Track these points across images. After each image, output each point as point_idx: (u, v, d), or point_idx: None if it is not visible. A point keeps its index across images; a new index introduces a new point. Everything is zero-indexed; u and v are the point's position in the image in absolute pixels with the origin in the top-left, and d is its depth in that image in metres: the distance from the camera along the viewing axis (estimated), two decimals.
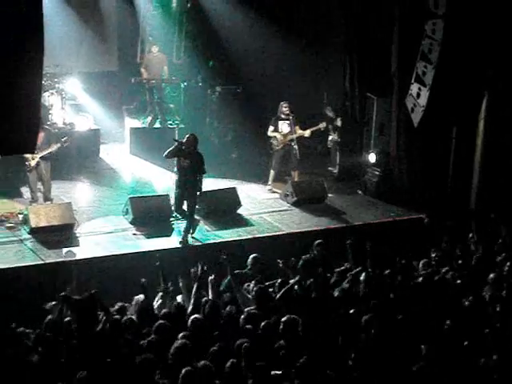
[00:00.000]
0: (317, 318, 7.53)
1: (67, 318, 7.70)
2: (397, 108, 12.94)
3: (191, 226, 10.98)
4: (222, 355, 6.67)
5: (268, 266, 9.62)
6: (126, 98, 15.54)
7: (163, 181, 12.88)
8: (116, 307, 8.00)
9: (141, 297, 8.14)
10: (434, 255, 9.86)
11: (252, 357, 6.56)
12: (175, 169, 10.99)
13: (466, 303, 8.01)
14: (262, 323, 7.28)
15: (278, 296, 8.22)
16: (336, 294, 8.41)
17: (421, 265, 9.56)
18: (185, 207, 11.00)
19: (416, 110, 12.09)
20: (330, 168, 14.57)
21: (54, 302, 8.22)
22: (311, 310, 7.79)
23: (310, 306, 7.98)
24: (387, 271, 9.04)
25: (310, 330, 7.22)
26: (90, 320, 7.38)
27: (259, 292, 8.20)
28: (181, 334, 6.87)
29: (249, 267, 9.49)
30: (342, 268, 9.36)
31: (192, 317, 7.33)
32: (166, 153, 10.94)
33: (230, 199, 12.24)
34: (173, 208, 11.09)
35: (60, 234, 10.82)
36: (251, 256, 9.60)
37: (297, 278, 8.51)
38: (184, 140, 10.82)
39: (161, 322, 7.21)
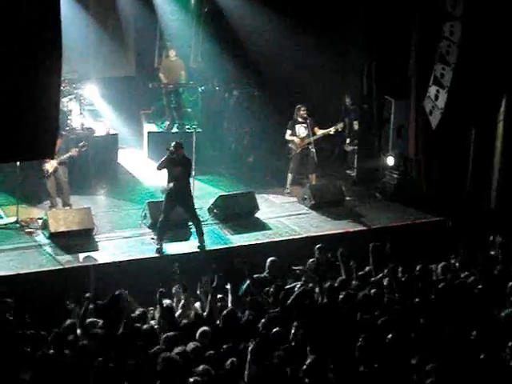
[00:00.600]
0: (328, 323, 7.49)
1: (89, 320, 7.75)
2: (415, 110, 12.88)
3: (201, 229, 10.99)
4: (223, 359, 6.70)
5: (286, 269, 9.61)
6: (143, 103, 15.58)
7: None
8: (137, 313, 8.02)
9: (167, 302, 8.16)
10: (453, 261, 9.75)
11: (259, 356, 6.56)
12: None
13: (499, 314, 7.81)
14: (275, 329, 7.25)
15: (289, 301, 8.14)
16: (359, 297, 8.31)
17: (439, 269, 9.47)
18: (173, 216, 10.95)
19: (434, 112, 12.01)
20: (347, 171, 14.52)
21: (73, 305, 8.25)
22: (323, 315, 7.74)
23: (321, 311, 7.92)
24: (408, 275, 8.97)
25: (319, 334, 7.18)
26: (114, 323, 7.40)
27: (283, 296, 8.16)
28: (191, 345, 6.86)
29: (267, 271, 9.48)
30: (362, 272, 9.29)
31: (201, 329, 7.28)
32: (157, 165, 10.94)
33: (247, 203, 12.24)
34: (160, 219, 10.83)
35: (79, 239, 10.88)
36: (269, 259, 9.59)
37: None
38: (172, 148, 10.79)
39: (169, 334, 7.19)
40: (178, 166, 10.76)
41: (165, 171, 10.90)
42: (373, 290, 8.42)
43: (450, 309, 7.95)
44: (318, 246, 9.97)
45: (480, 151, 12.67)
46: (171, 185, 10.79)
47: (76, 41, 13.39)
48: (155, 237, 10.92)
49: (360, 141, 14.17)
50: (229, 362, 6.54)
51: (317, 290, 8.43)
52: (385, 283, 8.66)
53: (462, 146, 12.81)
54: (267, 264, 9.51)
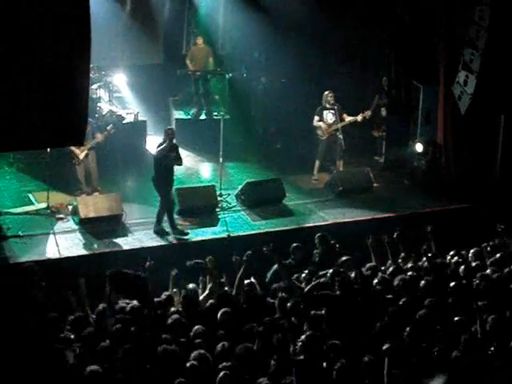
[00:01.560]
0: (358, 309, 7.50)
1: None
2: (443, 96, 12.77)
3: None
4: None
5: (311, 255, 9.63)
6: (171, 90, 15.64)
7: (209, 172, 12.97)
8: (163, 296, 8.10)
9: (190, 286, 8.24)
10: (485, 245, 9.65)
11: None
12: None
13: None
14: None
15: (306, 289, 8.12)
16: (396, 283, 8.28)
17: (471, 255, 9.41)
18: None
19: (463, 97, 11.90)
20: (375, 157, 14.46)
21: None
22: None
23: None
24: (440, 261, 8.93)
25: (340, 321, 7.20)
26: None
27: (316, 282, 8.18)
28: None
29: (291, 257, 9.50)
30: (396, 258, 9.25)
31: (221, 310, 7.36)
32: (159, 150, 10.90)
33: (275, 190, 12.27)
34: (167, 206, 10.97)
35: (108, 225, 11.00)
36: (293, 245, 9.61)
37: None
38: (170, 135, 10.88)
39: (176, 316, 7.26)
40: (173, 151, 10.89)
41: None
42: (409, 273, 8.40)
43: (493, 297, 7.85)
44: (318, 234, 9.91)
45: (509, 137, 12.54)
46: (170, 173, 10.90)
47: (105, 28, 13.42)
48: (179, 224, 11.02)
49: (388, 127, 14.09)
50: (220, 345, 6.60)
51: (352, 275, 8.44)
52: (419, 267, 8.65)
53: (491, 132, 12.70)
54: (291, 249, 9.53)
